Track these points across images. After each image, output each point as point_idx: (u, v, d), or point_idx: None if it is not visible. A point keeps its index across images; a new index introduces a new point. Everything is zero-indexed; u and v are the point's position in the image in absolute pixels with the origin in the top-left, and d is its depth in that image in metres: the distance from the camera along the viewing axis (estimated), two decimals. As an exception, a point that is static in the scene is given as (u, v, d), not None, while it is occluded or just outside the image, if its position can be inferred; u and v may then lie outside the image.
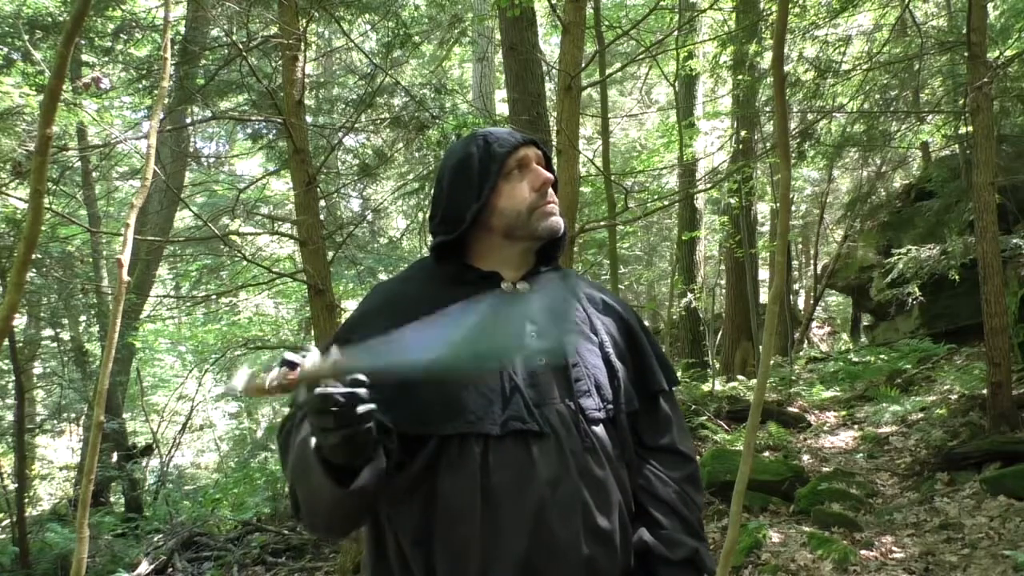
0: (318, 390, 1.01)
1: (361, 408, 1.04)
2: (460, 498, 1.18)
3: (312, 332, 5.15)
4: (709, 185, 8.91)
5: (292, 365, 1.01)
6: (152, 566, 5.73)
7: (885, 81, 7.80)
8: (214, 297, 7.26)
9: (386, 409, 1.21)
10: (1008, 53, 6.65)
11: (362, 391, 1.04)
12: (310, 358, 1.02)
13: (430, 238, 1.41)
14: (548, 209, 1.36)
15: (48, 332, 8.31)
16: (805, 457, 6.40)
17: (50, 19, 6.63)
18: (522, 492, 1.18)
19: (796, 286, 15.50)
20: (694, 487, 1.39)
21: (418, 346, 1.10)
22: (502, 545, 1.17)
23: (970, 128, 5.84)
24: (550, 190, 1.38)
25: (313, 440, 1.10)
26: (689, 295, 10.42)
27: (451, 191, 1.38)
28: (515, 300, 1.36)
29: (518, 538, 1.16)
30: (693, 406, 7.37)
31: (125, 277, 1.53)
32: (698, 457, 5.88)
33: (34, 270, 6.29)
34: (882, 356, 9.82)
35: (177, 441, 9.18)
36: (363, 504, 1.15)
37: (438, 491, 1.20)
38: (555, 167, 1.45)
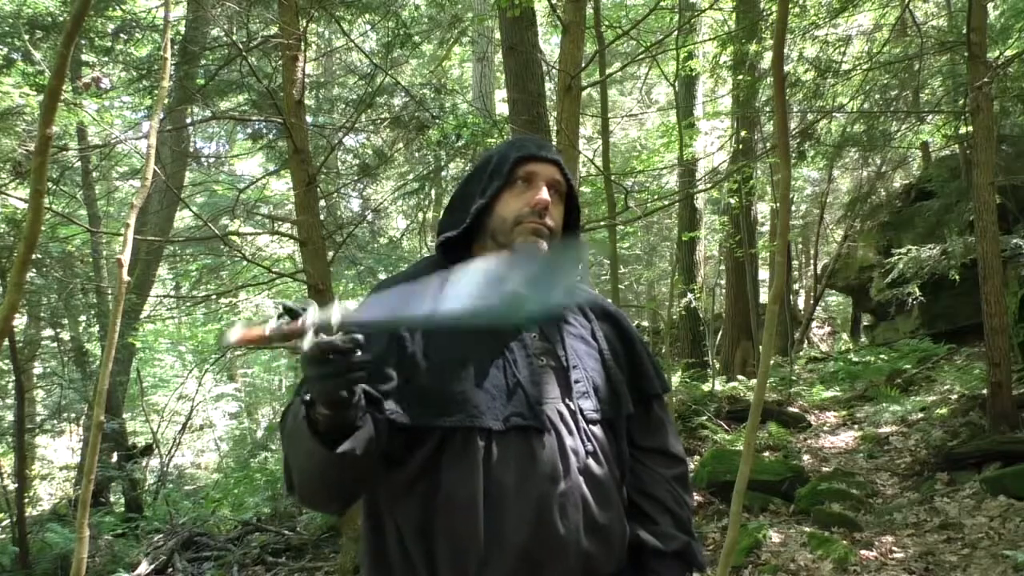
0: (319, 337, 1.02)
1: (358, 356, 1.04)
2: (463, 491, 1.20)
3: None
4: (709, 185, 8.90)
5: (294, 314, 1.02)
6: (152, 566, 5.73)
7: (885, 81, 7.80)
8: (214, 297, 7.26)
9: (389, 401, 1.22)
10: (1008, 53, 6.64)
11: (360, 339, 1.05)
12: (312, 309, 1.03)
13: (431, 237, 1.43)
14: (532, 227, 1.35)
15: (48, 332, 8.31)
16: (805, 457, 6.40)
17: (50, 19, 6.62)
18: (524, 487, 1.20)
19: (796, 286, 15.50)
20: (684, 487, 1.43)
21: (422, 301, 1.09)
22: (503, 538, 1.19)
23: (970, 128, 5.84)
24: (548, 217, 1.36)
25: (303, 410, 1.11)
26: (689, 295, 10.41)
27: (466, 185, 1.43)
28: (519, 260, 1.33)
29: (519, 531, 1.18)
30: (693, 406, 7.36)
31: (125, 277, 1.53)
32: (698, 457, 5.85)
33: (34, 270, 6.29)
34: (882, 356, 9.82)
35: (177, 441, 9.17)
36: (352, 473, 1.15)
37: (441, 483, 1.22)
38: (576, 196, 1.45)
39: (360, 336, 1.05)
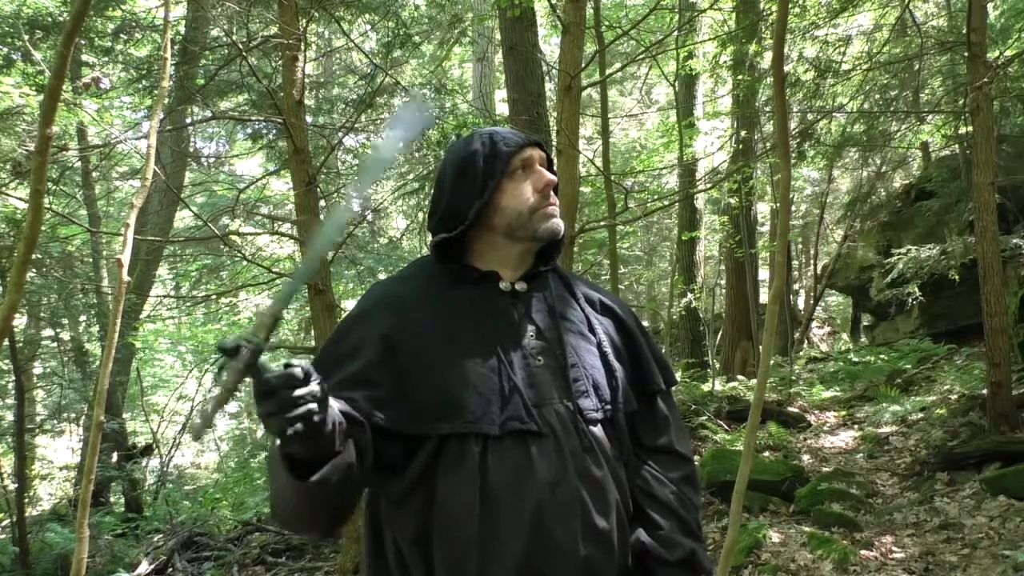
0: (257, 376, 0.98)
1: (299, 391, 0.99)
2: (459, 498, 1.18)
3: (312, 332, 5.15)
4: (709, 185, 8.90)
5: (233, 352, 0.96)
6: (152, 566, 5.73)
7: (885, 81, 7.80)
8: (214, 297, 7.26)
9: (383, 409, 1.22)
10: (1008, 53, 6.64)
11: (296, 373, 1.00)
12: (243, 349, 0.96)
13: (430, 237, 1.40)
14: (549, 211, 1.35)
15: (48, 332, 8.31)
16: (805, 457, 6.40)
17: (50, 19, 6.62)
18: (521, 492, 1.18)
19: (796, 286, 15.50)
20: (691, 487, 1.39)
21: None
22: (500, 545, 1.17)
23: (970, 128, 5.84)
24: (552, 192, 1.38)
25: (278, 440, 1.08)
26: (689, 295, 10.41)
27: (453, 188, 1.37)
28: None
29: (516, 538, 1.16)
30: (693, 406, 7.36)
31: (125, 277, 1.53)
32: (698, 457, 5.84)
33: (34, 270, 6.29)
34: (882, 356, 9.82)
35: (177, 441, 9.18)
36: (331, 499, 1.12)
37: (437, 491, 1.20)
38: (556, 168, 1.45)
39: (297, 369, 1.00)
